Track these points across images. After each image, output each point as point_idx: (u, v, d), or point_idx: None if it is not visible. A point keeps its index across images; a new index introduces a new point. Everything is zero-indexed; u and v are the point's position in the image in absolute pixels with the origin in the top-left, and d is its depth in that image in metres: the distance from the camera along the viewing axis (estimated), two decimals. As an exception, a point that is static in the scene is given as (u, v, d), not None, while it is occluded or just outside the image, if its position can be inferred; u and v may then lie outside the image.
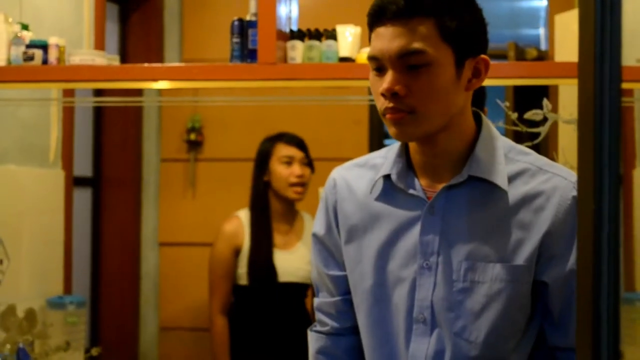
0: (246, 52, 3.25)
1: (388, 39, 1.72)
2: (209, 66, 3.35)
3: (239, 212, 4.01)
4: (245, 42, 3.25)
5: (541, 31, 6.73)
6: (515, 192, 1.78)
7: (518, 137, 3.49)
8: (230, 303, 4.00)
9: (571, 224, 1.76)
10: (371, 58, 1.76)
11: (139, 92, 4.84)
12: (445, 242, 1.80)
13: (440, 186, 1.82)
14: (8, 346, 3.36)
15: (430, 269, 1.80)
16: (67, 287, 4.24)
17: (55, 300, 3.89)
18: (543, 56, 5.24)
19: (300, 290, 3.96)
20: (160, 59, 5.14)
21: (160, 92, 4.91)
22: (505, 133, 4.03)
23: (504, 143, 1.84)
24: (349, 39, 3.31)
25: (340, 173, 1.98)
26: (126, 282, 5.07)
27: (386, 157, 1.91)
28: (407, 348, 1.82)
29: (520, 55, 5.15)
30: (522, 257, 1.76)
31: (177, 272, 5.07)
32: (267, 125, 4.46)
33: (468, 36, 1.75)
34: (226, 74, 3.25)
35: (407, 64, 1.72)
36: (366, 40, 3.74)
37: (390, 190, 1.87)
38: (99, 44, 4.52)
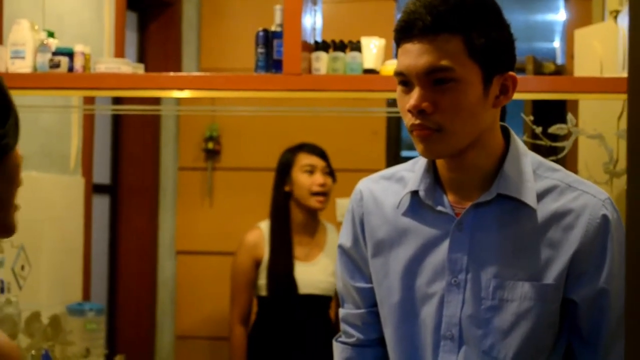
0: (271, 63, 3.26)
1: (415, 55, 1.72)
2: (235, 76, 3.36)
3: (261, 223, 4.01)
4: (270, 52, 3.27)
5: (557, 45, 6.74)
6: (544, 210, 1.78)
7: (538, 152, 3.49)
8: (251, 313, 4.01)
9: (601, 242, 1.76)
10: (398, 74, 1.76)
11: (157, 101, 4.85)
12: (473, 260, 1.79)
13: (468, 203, 1.81)
14: (33, 352, 3.37)
15: (459, 286, 1.80)
16: (86, 294, 4.25)
17: (74, 307, 3.90)
18: (560, 70, 5.25)
19: (323, 302, 3.95)
20: (178, 67, 5.16)
21: (178, 101, 4.93)
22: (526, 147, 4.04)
23: (532, 159, 1.83)
24: (373, 50, 3.32)
25: (367, 185, 1.97)
26: (143, 290, 5.08)
27: (413, 171, 1.90)
28: None
29: (538, 69, 5.16)
30: (551, 275, 1.76)
31: (194, 280, 5.08)
32: (284, 135, 4.48)
33: (496, 53, 1.74)
34: (252, 84, 3.27)
35: (433, 80, 1.72)
36: (390, 52, 3.76)
37: (417, 206, 1.86)
38: (119, 52, 4.53)
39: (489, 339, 1.77)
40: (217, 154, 5.12)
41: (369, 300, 1.96)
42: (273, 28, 3.27)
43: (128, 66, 3.35)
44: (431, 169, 1.86)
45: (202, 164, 5.14)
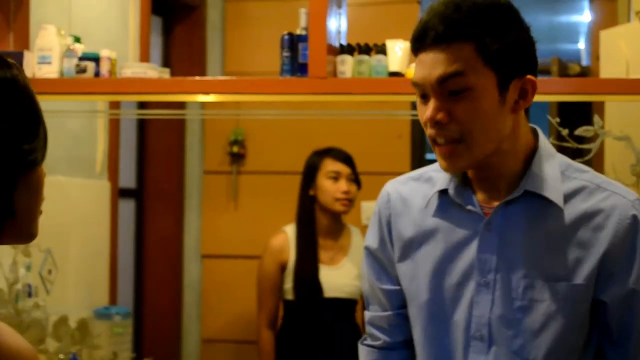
0: (296, 66, 3.27)
1: (429, 65, 1.72)
2: (260, 80, 3.37)
3: (286, 227, 4.02)
4: (295, 56, 3.27)
5: (582, 46, 6.71)
6: (573, 210, 1.77)
7: (564, 154, 3.47)
8: (278, 317, 4.01)
9: (631, 242, 1.75)
10: (415, 84, 1.76)
11: (182, 105, 4.87)
12: (503, 260, 1.78)
13: (497, 203, 1.80)
14: (61, 356, 3.39)
15: (488, 287, 1.79)
16: (113, 298, 4.27)
17: (101, 311, 3.92)
18: (585, 72, 5.22)
19: (348, 306, 3.95)
20: (202, 71, 5.17)
21: (203, 104, 4.94)
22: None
23: (561, 161, 1.83)
24: (398, 53, 3.32)
25: (394, 187, 1.96)
26: (169, 293, 5.09)
27: (441, 171, 1.88)
28: None
29: (563, 70, 5.14)
30: (581, 276, 1.75)
31: (219, 284, 5.09)
32: (309, 139, 4.48)
33: (512, 58, 1.72)
34: (277, 87, 3.27)
35: (448, 89, 1.71)
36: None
37: (446, 206, 1.86)
38: (144, 56, 4.55)
39: (519, 339, 1.76)
40: (242, 158, 5.13)
41: (396, 303, 1.95)
42: (298, 31, 3.27)
43: (154, 71, 3.36)
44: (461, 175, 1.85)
45: (227, 167, 5.15)
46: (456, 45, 1.70)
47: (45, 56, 3.33)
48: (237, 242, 5.06)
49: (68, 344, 3.47)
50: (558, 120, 3.22)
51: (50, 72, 3.32)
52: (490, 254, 1.78)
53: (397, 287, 1.93)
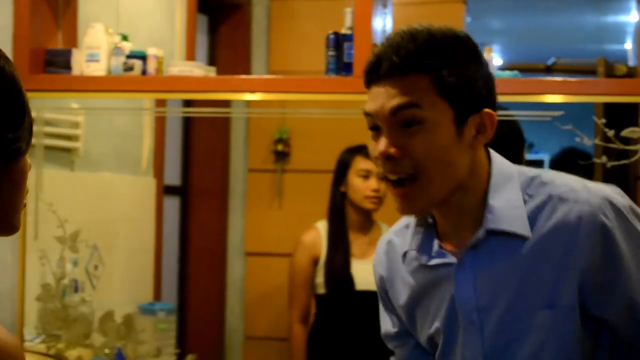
0: (341, 65, 3.28)
1: (382, 97, 1.62)
2: (306, 79, 3.38)
3: (318, 223, 4.06)
4: (340, 55, 3.28)
5: (628, 47, 6.66)
6: (540, 232, 1.67)
7: (609, 155, 3.46)
8: (310, 313, 4.04)
9: (609, 251, 1.64)
10: (367, 115, 1.66)
11: (227, 103, 4.89)
12: (483, 297, 1.71)
13: (465, 241, 1.72)
14: (106, 350, 3.43)
15: (474, 326, 1.72)
16: (157, 294, 4.31)
17: (146, 307, 3.96)
18: (632, 73, 5.18)
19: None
20: (247, 69, 5.19)
21: (249, 103, 4.96)
22: (596, 150, 4.00)
23: (521, 179, 1.72)
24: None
25: (383, 245, 1.90)
26: (212, 290, 5.12)
27: (409, 225, 1.81)
28: None
29: (610, 71, 5.10)
30: (563, 298, 1.65)
31: (262, 281, 5.11)
32: (353, 138, 4.46)
33: (469, 92, 1.65)
34: (323, 86, 3.29)
35: (402, 120, 1.62)
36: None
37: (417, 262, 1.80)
38: (190, 55, 4.59)
39: None
40: (286, 156, 5.15)
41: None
42: (343, 31, 3.28)
43: (200, 69, 3.39)
44: (424, 220, 1.78)
45: (271, 165, 5.17)
46: (411, 77, 1.62)
47: (93, 54, 3.37)
48: (280, 240, 5.07)
49: (114, 339, 3.51)
50: (604, 121, 3.21)
51: (98, 69, 3.36)
52: (468, 294, 1.71)
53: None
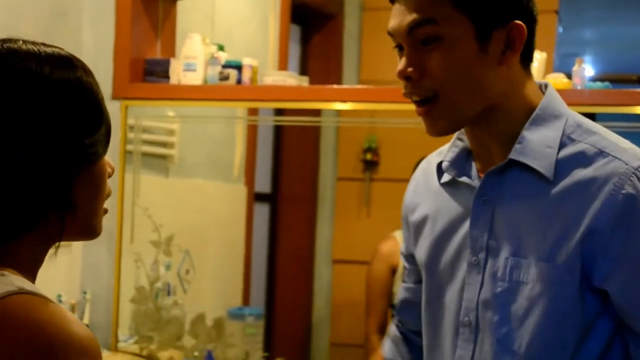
0: (432, 76, 3.30)
1: (400, 15, 1.55)
2: (397, 89, 3.39)
3: (395, 232, 4.06)
4: (431, 66, 3.30)
5: None
6: (566, 181, 1.53)
7: None
8: (388, 323, 4.05)
9: (627, 218, 1.48)
10: (389, 34, 1.58)
11: (317, 112, 4.95)
12: (493, 237, 1.59)
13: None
14: (196, 353, 3.50)
15: (479, 267, 1.60)
16: (246, 299, 4.38)
17: (235, 312, 4.02)
18: None
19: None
20: (338, 79, 5.25)
21: (338, 112, 5.01)
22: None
23: (570, 121, 1.58)
24: (534, 64, 3.31)
25: (422, 164, 1.85)
26: (300, 296, 5.18)
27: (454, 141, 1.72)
28: (453, 354, 1.64)
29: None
30: (562, 256, 1.51)
31: (349, 289, 5.15)
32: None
33: (491, 4, 1.53)
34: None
35: (418, 39, 1.53)
36: (551, 66, 3.72)
37: (446, 179, 1.70)
38: (283, 64, 4.66)
39: (504, 326, 1.56)
40: (375, 165, 5.18)
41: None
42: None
43: (293, 79, 3.45)
44: (464, 136, 1.67)
45: (360, 174, 5.21)
46: None
47: (191, 63, 3.45)
48: (368, 248, 5.08)
49: (204, 342, 3.58)
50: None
51: (194, 79, 3.44)
52: (482, 231, 1.60)
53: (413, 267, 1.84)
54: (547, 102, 1.59)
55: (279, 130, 5.23)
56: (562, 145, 1.55)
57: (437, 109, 1.54)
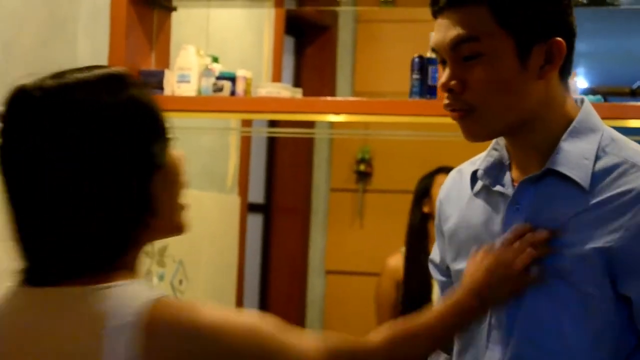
0: (426, 89, 3.31)
1: (443, 30, 1.58)
2: (390, 101, 3.43)
3: (403, 247, 4.07)
4: (425, 78, 3.31)
5: None
6: (601, 191, 1.57)
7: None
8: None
9: None
10: (433, 50, 1.64)
11: (311, 124, 4.97)
12: None
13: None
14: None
15: None
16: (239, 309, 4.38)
17: (228, 322, 4.03)
18: None
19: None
20: (332, 91, 5.27)
21: (332, 123, 5.03)
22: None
23: (605, 135, 1.62)
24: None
25: (452, 173, 1.86)
26: (293, 308, 5.18)
27: (489, 152, 1.74)
28: (483, 356, 1.65)
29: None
30: (593, 262, 1.55)
31: (342, 300, 5.16)
32: (435, 160, 4.50)
33: (532, 20, 1.57)
34: (407, 109, 3.33)
35: (461, 55, 1.57)
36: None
37: (480, 187, 1.72)
38: (277, 76, 4.68)
39: (536, 330, 1.59)
40: (368, 176, 5.20)
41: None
42: (428, 54, 3.32)
43: (287, 91, 3.47)
44: (499, 146, 1.70)
45: (353, 185, 5.23)
46: (469, 8, 1.57)
47: (185, 75, 3.46)
48: (361, 259, 5.12)
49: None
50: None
51: (188, 90, 3.45)
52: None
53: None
54: (584, 115, 1.64)
55: (272, 142, 5.25)
56: (597, 158, 1.59)
57: (473, 119, 1.59)
